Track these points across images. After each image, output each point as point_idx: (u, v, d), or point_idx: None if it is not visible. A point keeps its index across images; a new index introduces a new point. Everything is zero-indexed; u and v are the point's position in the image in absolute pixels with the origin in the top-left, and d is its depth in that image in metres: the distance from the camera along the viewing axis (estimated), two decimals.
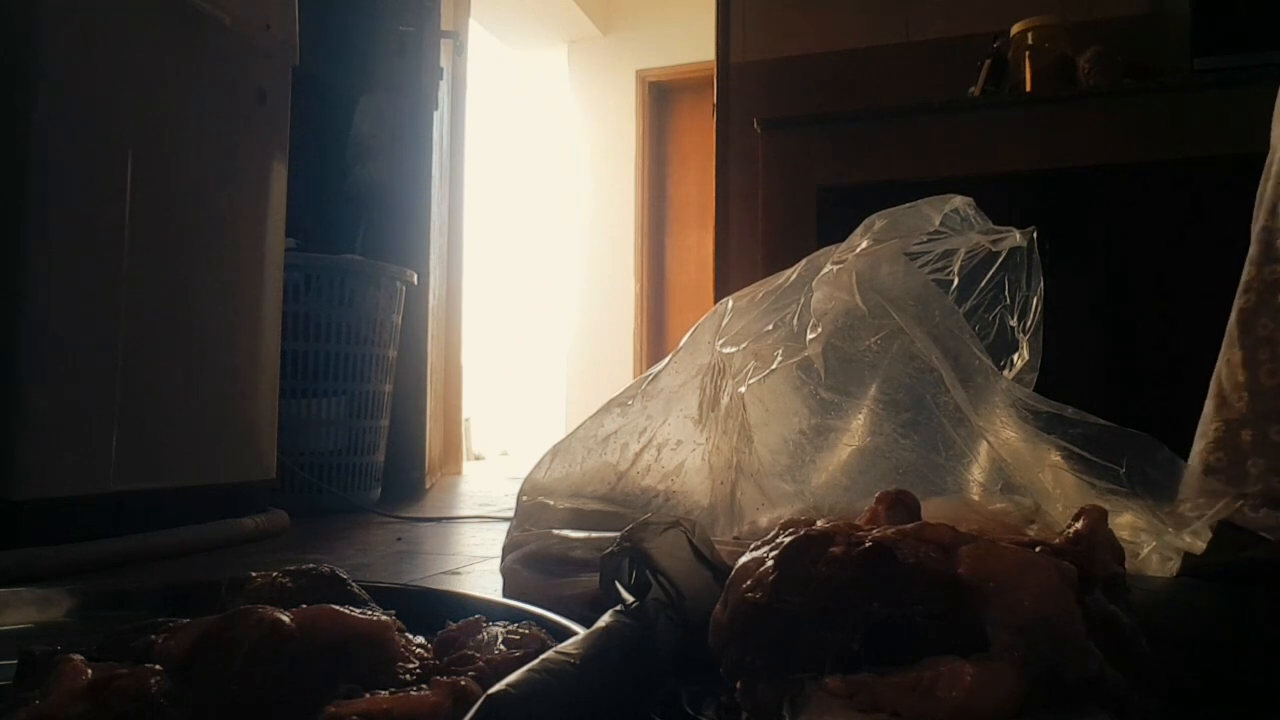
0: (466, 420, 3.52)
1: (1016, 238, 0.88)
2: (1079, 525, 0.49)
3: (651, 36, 4.85)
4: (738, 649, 0.45)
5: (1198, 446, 0.97)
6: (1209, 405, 0.99)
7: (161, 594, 0.71)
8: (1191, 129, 2.00)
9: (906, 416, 0.83)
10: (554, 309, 5.05)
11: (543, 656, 0.43)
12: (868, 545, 0.44)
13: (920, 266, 0.84)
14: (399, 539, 1.60)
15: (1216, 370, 0.99)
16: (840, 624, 0.42)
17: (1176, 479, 0.70)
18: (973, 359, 0.80)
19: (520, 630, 0.56)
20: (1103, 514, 0.47)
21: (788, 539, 0.47)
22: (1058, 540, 0.50)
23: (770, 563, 0.46)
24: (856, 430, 0.86)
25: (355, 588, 0.60)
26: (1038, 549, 0.49)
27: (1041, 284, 0.86)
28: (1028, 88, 2.24)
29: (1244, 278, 0.99)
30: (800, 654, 0.43)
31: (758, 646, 0.44)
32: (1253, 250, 0.99)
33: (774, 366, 0.84)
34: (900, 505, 0.52)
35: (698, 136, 4.64)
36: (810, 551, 0.45)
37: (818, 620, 0.43)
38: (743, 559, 0.50)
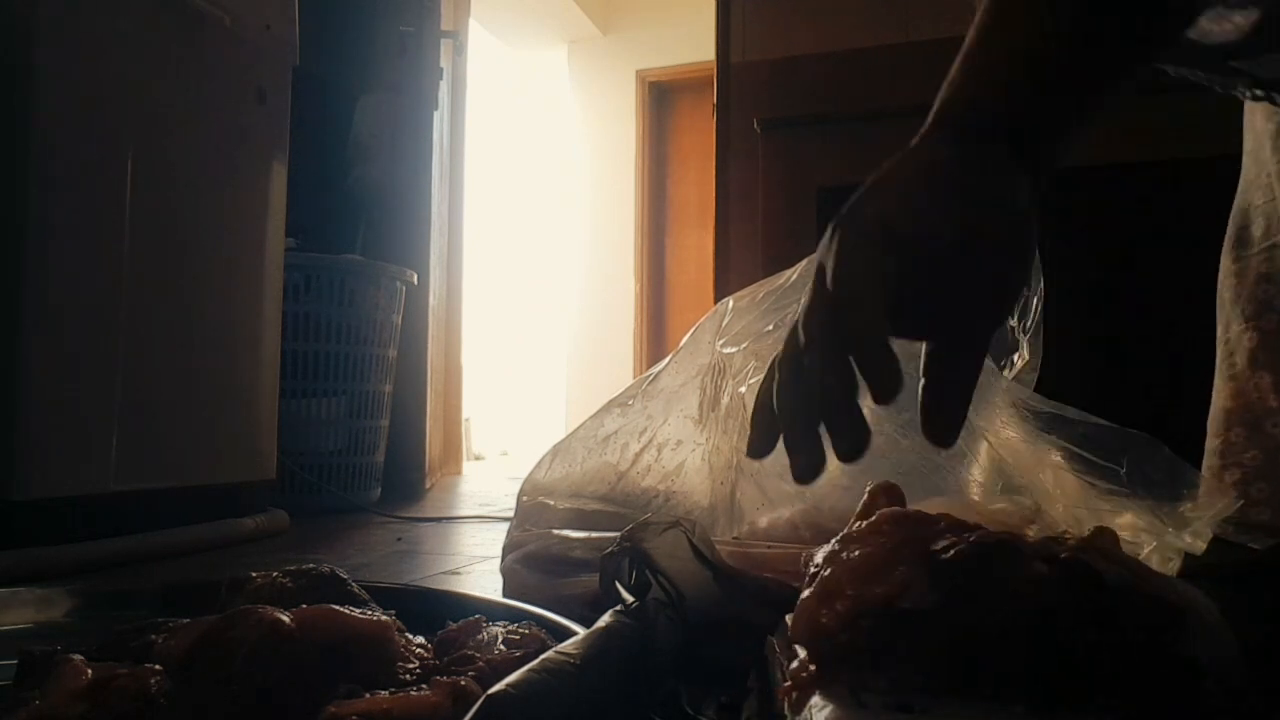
0: (466, 420, 3.52)
1: None
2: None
3: (651, 36, 4.85)
4: (866, 659, 0.40)
5: (1230, 477, 0.93)
6: (1236, 431, 0.94)
7: (161, 594, 0.71)
8: (1191, 129, 2.00)
9: (906, 416, 0.83)
10: (554, 309, 5.05)
11: (543, 656, 0.43)
12: (1072, 560, 0.40)
13: None
14: (399, 539, 1.60)
15: (1237, 391, 0.95)
16: (1034, 647, 0.38)
17: (1177, 479, 0.70)
18: None
19: (520, 630, 0.56)
20: (1114, 535, 0.46)
21: (953, 543, 0.41)
22: (1065, 555, 0.49)
23: (908, 568, 0.41)
24: None
25: (355, 588, 0.60)
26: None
27: (1041, 284, 0.86)
28: None
29: (1260, 295, 0.94)
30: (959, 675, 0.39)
31: (906, 659, 0.39)
32: (1268, 269, 0.93)
33: None
34: (895, 496, 0.52)
35: (698, 136, 4.64)
36: (997, 562, 0.40)
37: (995, 641, 0.38)
38: (836, 553, 0.44)
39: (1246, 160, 0.96)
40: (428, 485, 2.62)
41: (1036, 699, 0.37)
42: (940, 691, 0.38)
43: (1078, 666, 0.38)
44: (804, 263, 0.90)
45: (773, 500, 0.84)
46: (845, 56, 2.63)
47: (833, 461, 0.87)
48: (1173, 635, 0.38)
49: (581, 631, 0.49)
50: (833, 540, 0.46)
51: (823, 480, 0.85)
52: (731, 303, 0.91)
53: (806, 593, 0.43)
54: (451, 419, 3.11)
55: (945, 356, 0.47)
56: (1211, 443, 0.97)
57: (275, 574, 0.60)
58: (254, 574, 0.60)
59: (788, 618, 0.51)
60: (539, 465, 0.95)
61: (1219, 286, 0.99)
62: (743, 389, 0.85)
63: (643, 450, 0.90)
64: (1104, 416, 0.73)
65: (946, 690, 0.38)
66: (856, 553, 0.43)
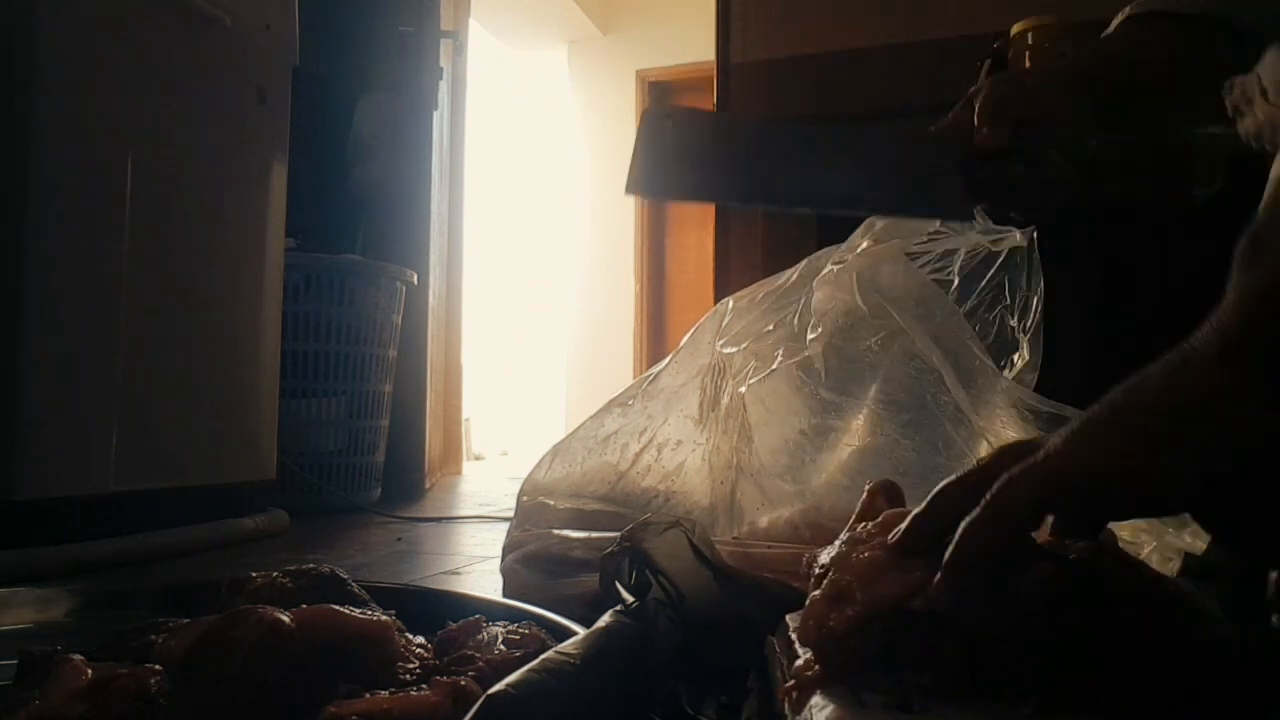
0: (466, 420, 3.52)
1: (1016, 238, 0.88)
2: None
3: (651, 36, 4.85)
4: (872, 662, 0.40)
5: None
6: None
7: (161, 594, 0.71)
8: None
9: (907, 417, 0.83)
10: (554, 309, 5.05)
11: (543, 656, 0.43)
12: (1082, 561, 0.40)
13: (920, 266, 0.84)
14: (399, 539, 1.60)
15: None
16: (1044, 647, 0.38)
17: None
18: (973, 359, 0.80)
19: (520, 630, 0.56)
20: (1112, 535, 0.46)
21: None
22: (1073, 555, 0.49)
23: (918, 569, 0.40)
24: (857, 430, 0.86)
25: (355, 588, 0.60)
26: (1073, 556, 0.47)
27: (1041, 284, 0.86)
28: None
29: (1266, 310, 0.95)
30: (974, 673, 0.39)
31: (922, 662, 0.39)
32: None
33: (774, 366, 0.84)
34: (895, 495, 0.52)
35: None
36: (1007, 562, 0.40)
37: (1005, 641, 0.38)
38: (839, 556, 0.44)
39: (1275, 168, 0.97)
40: (428, 485, 2.62)
41: (1044, 699, 0.37)
42: (947, 692, 0.38)
43: (1086, 667, 0.38)
44: (804, 263, 0.90)
45: (773, 500, 0.84)
46: (845, 56, 2.63)
47: (834, 461, 0.87)
48: (1178, 636, 0.38)
49: (581, 631, 0.49)
50: (839, 541, 0.46)
51: (823, 480, 0.85)
52: (731, 303, 0.91)
53: (815, 593, 0.43)
54: (451, 419, 3.11)
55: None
56: None
57: (275, 574, 0.60)
58: (254, 574, 0.60)
59: (788, 618, 0.51)
60: (539, 465, 0.95)
61: None
62: (743, 389, 0.85)
63: (643, 450, 0.90)
64: None
65: (954, 691, 0.38)
66: (865, 554, 0.43)
